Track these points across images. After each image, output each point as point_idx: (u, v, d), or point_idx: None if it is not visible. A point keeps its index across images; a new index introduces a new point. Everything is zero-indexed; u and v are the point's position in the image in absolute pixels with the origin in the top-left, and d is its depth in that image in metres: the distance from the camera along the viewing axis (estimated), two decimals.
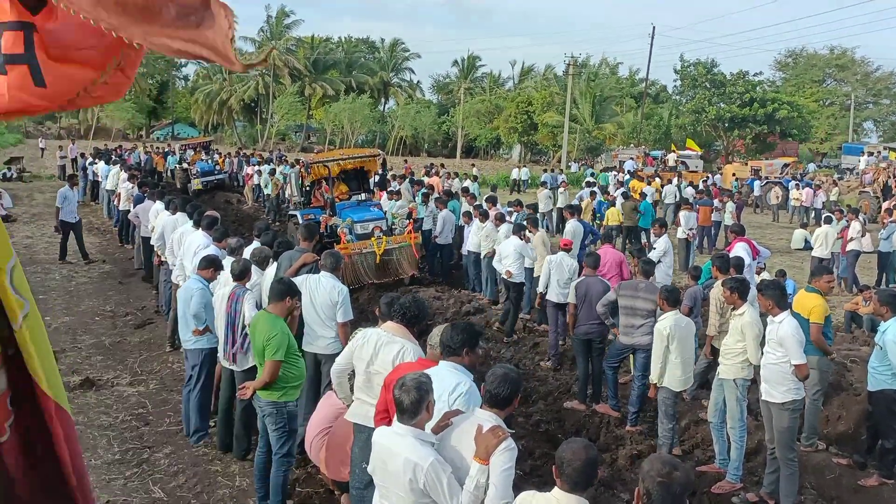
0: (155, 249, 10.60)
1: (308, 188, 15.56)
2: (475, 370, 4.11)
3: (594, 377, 8.36)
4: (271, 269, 7.31)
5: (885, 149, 33.44)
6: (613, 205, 18.23)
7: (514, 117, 53.02)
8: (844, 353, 9.50)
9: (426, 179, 22.37)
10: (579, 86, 48.38)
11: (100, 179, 21.54)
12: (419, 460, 3.25)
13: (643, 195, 19.87)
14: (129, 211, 14.28)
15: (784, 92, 53.43)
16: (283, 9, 63.53)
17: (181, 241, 9.00)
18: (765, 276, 10.20)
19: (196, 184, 25.60)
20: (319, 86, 62.45)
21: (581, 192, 21.00)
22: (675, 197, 22.72)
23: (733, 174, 34.84)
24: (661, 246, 10.84)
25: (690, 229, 16.07)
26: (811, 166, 41.95)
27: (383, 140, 61.69)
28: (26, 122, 56.00)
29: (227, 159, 31.37)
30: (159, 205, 11.34)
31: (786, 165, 34.98)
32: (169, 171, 29.53)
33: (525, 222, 11.59)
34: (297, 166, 19.38)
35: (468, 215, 13.92)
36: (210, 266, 6.90)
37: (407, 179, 21.30)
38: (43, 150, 40.79)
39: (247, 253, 7.63)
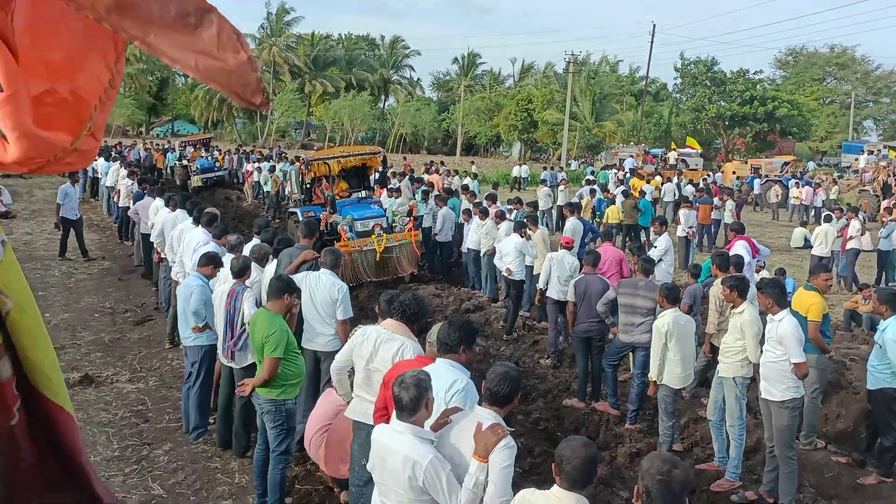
0: (155, 246, 10.59)
1: (308, 185, 15.55)
2: (472, 367, 4.11)
3: (594, 375, 8.37)
4: (271, 267, 7.31)
5: (885, 147, 33.42)
6: (613, 203, 18.23)
7: (514, 115, 53.01)
8: (844, 352, 9.49)
9: (426, 177, 22.37)
10: (579, 83, 48.36)
11: (99, 176, 21.50)
12: (418, 458, 3.25)
13: (642, 193, 19.87)
14: (128, 207, 14.26)
15: (784, 90, 53.42)
16: (283, 6, 63.52)
17: (181, 237, 9.00)
18: (764, 274, 10.18)
19: (196, 181, 25.57)
20: (319, 83, 62.42)
21: (581, 190, 21.00)
22: (675, 195, 22.73)
23: (733, 172, 34.85)
24: (661, 244, 10.83)
25: (690, 227, 16.07)
26: (811, 165, 41.96)
27: (383, 137, 61.66)
28: None
29: (227, 156, 31.34)
30: (159, 201, 11.33)
31: (786, 164, 34.98)
32: (169, 168, 29.49)
33: (525, 220, 11.59)
34: (297, 163, 19.38)
35: (468, 213, 13.94)
36: (210, 263, 6.90)
37: (407, 177, 21.29)
38: None
39: (246, 250, 7.63)
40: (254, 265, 6.84)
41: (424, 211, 14.80)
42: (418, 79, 74.69)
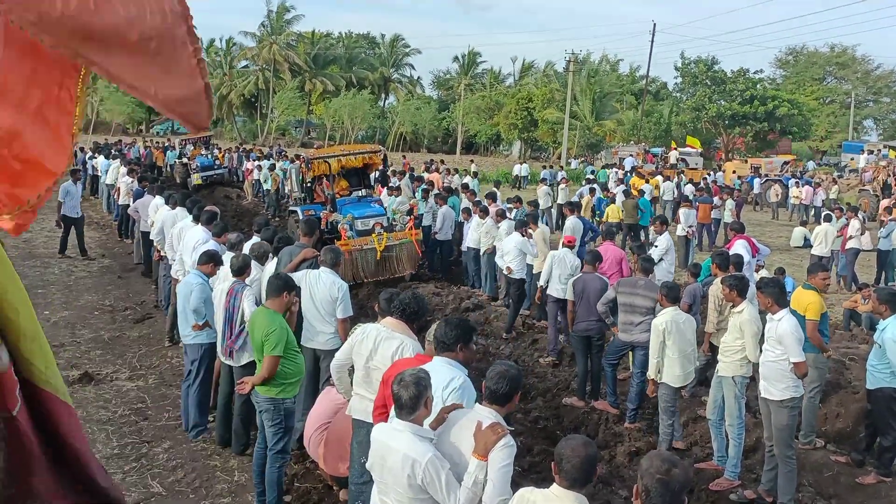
0: (154, 244, 10.59)
1: (309, 184, 15.53)
2: (472, 366, 4.11)
3: (593, 374, 8.37)
4: (271, 265, 7.31)
5: (885, 147, 33.43)
6: (613, 202, 18.23)
7: (515, 114, 53.00)
8: (843, 351, 9.50)
9: (426, 175, 22.36)
10: (580, 82, 48.33)
11: (99, 174, 21.51)
12: (417, 456, 3.25)
13: (641, 192, 19.87)
14: (128, 205, 14.26)
15: (784, 90, 53.42)
16: (283, 4, 63.50)
17: (181, 236, 9.00)
18: (763, 273, 10.19)
19: (196, 179, 25.58)
20: (320, 81, 62.39)
21: (581, 189, 21.00)
22: (674, 194, 22.74)
23: (734, 171, 34.85)
24: (662, 244, 10.83)
25: (690, 226, 16.08)
26: (811, 164, 41.96)
27: (383, 136, 61.65)
28: None
29: (227, 154, 31.34)
30: (159, 200, 11.33)
31: (786, 163, 35.00)
32: (169, 166, 29.49)
33: (526, 218, 11.59)
34: (297, 162, 19.36)
35: (467, 212, 13.94)
36: (210, 261, 6.90)
37: (407, 175, 21.28)
38: None
39: (246, 248, 7.63)
40: (254, 263, 6.84)
41: (424, 209, 14.80)
42: (418, 77, 74.65)
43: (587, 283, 8.37)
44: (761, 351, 6.14)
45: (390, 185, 16.64)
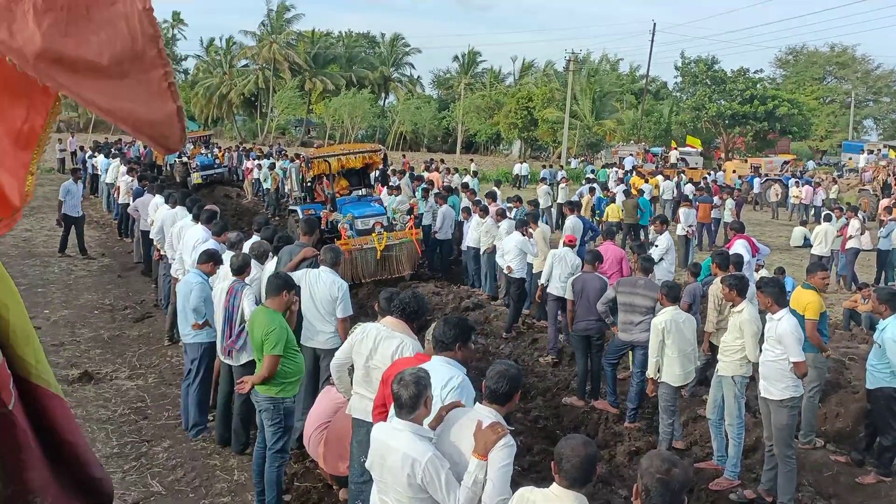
0: (154, 243, 10.58)
1: (309, 183, 15.52)
2: (471, 365, 4.11)
3: (593, 373, 8.37)
4: (271, 264, 7.31)
5: (884, 147, 33.43)
6: (613, 201, 18.23)
7: (515, 113, 52.97)
8: (843, 351, 9.50)
9: (426, 175, 22.36)
10: (580, 82, 48.29)
11: (99, 173, 21.50)
12: (417, 455, 3.25)
13: (640, 192, 19.87)
14: (128, 204, 14.25)
15: (784, 89, 53.40)
16: (283, 3, 63.46)
17: (180, 235, 8.99)
18: (763, 273, 10.19)
19: (196, 178, 25.56)
20: (320, 80, 62.36)
21: (581, 189, 21.01)
22: (673, 193, 22.74)
23: (734, 171, 34.86)
24: (663, 244, 10.83)
25: (690, 226, 16.08)
26: (811, 164, 41.96)
27: (383, 135, 61.62)
28: None
29: (227, 153, 31.33)
30: (159, 198, 11.33)
31: (786, 163, 35.00)
32: (168, 165, 29.48)
33: (526, 217, 11.59)
34: (297, 161, 19.35)
35: (467, 211, 13.94)
36: (210, 260, 6.90)
37: (407, 175, 21.28)
38: None
39: (246, 247, 7.62)
40: (253, 262, 6.83)
41: (424, 209, 14.80)
42: (418, 76, 74.63)
43: (586, 283, 8.37)
44: (761, 350, 6.14)
45: (390, 184, 16.64)
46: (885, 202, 21.23)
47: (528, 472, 6.23)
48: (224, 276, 6.58)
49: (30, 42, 1.38)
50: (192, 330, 6.79)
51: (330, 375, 5.29)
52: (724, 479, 6.44)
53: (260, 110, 65.71)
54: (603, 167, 34.03)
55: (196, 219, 8.99)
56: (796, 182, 28.26)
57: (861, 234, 15.03)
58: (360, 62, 67.67)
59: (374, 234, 12.91)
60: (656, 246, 10.94)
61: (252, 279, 6.63)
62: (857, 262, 15.26)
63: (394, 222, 13.85)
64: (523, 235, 10.71)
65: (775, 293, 6.02)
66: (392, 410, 3.64)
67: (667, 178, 25.76)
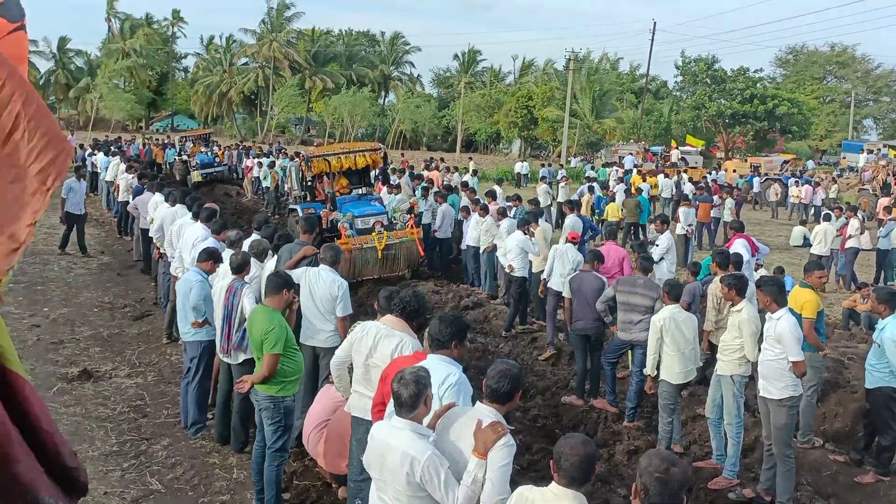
0: (154, 241, 10.58)
1: (309, 182, 15.51)
2: (469, 363, 4.12)
3: (592, 372, 8.37)
4: (271, 263, 7.31)
5: (884, 146, 33.44)
6: (613, 200, 18.23)
7: (515, 112, 52.97)
8: (842, 351, 9.50)
9: (426, 173, 22.35)
10: (580, 81, 48.28)
11: (99, 171, 21.49)
12: (416, 454, 3.25)
13: (639, 191, 19.87)
14: (128, 202, 14.24)
15: (784, 89, 53.42)
16: (283, 2, 63.42)
17: (180, 233, 8.99)
18: (762, 272, 10.19)
19: (195, 176, 25.58)
20: (319, 79, 62.37)
21: (581, 188, 21.01)
22: (672, 192, 22.73)
23: (734, 170, 34.87)
24: (663, 243, 10.82)
25: (689, 225, 16.08)
26: (810, 163, 41.98)
27: (383, 134, 61.64)
28: None
29: (227, 151, 31.33)
30: (158, 197, 11.32)
31: (785, 162, 35.00)
32: (168, 164, 29.49)
33: (528, 216, 11.59)
34: (297, 159, 19.34)
35: (467, 210, 13.94)
36: (209, 258, 6.90)
37: (406, 173, 21.27)
38: None
39: (246, 246, 7.62)
40: (253, 261, 6.84)
41: (424, 208, 14.80)
42: (418, 75, 74.58)
43: (583, 282, 8.38)
44: (760, 350, 6.14)
45: (390, 183, 16.64)
46: (884, 201, 21.24)
47: (527, 470, 6.24)
48: (224, 275, 6.58)
49: None
50: (191, 328, 6.79)
51: (329, 374, 5.29)
52: (722, 479, 6.45)
53: (260, 108, 65.70)
54: (603, 166, 34.05)
55: (196, 217, 8.99)
56: (796, 181, 28.27)
57: (860, 233, 15.03)
58: (360, 60, 67.68)
59: (374, 234, 12.90)
60: (657, 245, 10.94)
61: (252, 278, 6.63)
62: (857, 261, 15.26)
63: (394, 221, 13.85)
64: (525, 234, 10.72)
65: (774, 292, 6.02)
66: (389, 408, 3.64)
67: (667, 176, 25.76)
